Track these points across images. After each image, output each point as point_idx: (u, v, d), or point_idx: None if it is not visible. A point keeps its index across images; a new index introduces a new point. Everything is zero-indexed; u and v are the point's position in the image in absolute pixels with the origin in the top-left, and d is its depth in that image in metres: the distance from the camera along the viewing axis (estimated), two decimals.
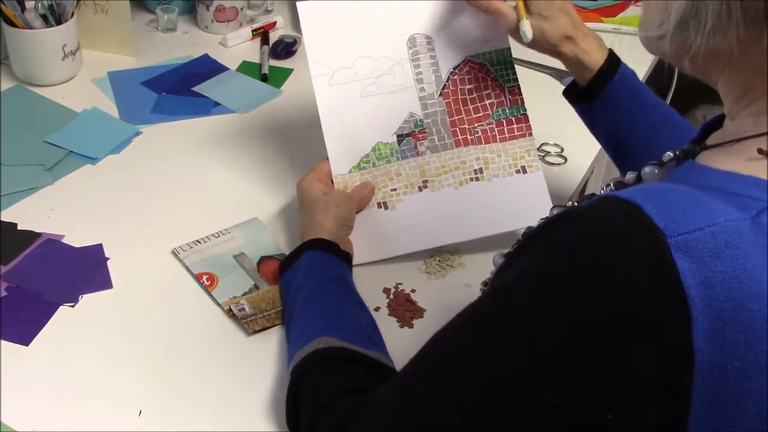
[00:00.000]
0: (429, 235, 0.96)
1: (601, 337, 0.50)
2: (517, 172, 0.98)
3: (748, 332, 0.49)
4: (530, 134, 0.99)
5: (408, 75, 0.97)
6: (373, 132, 0.96)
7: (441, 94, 0.98)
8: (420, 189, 0.97)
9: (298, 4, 0.97)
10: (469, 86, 0.99)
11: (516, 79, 1.00)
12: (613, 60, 0.95)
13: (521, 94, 1.00)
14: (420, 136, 0.97)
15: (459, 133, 0.98)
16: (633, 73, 0.97)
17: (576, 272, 0.51)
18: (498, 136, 0.99)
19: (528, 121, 1.00)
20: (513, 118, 0.99)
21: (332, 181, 0.95)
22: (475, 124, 0.98)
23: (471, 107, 0.98)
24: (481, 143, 0.98)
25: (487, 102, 0.99)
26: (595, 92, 0.95)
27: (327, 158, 0.96)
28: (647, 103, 0.97)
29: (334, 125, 0.95)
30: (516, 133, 0.99)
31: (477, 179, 0.97)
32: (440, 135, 0.97)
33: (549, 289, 0.53)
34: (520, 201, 0.97)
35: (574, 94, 0.99)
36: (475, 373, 0.55)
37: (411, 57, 0.97)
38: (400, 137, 0.97)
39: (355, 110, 0.96)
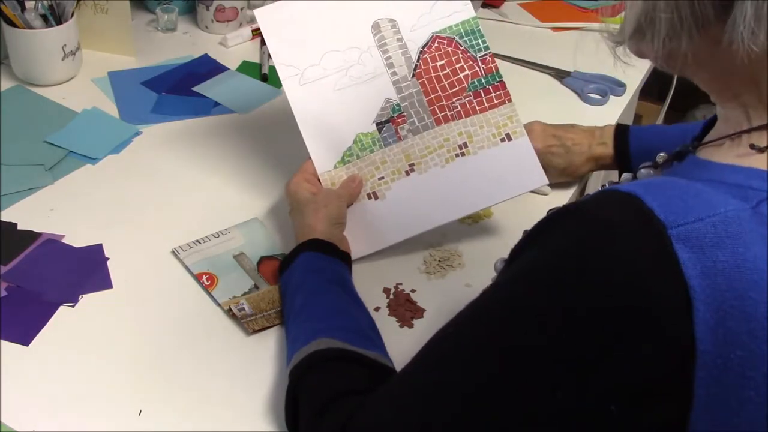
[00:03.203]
0: (423, 217, 0.95)
1: (604, 328, 0.50)
2: (502, 140, 0.97)
3: (749, 322, 0.49)
4: (509, 100, 0.98)
5: (378, 62, 0.97)
6: (352, 124, 0.96)
7: (414, 75, 0.97)
8: (407, 173, 0.96)
9: (255, 11, 0.96)
10: (440, 62, 0.98)
11: (488, 47, 0.99)
12: (618, 132, 1.02)
13: (495, 62, 0.99)
14: (399, 120, 0.97)
15: (438, 111, 0.97)
16: (636, 127, 1.03)
17: (577, 265, 0.52)
18: (477, 108, 0.98)
19: (506, 88, 0.99)
20: (490, 87, 0.98)
21: (319, 180, 0.95)
22: (453, 99, 0.98)
23: (446, 83, 0.98)
24: (462, 117, 0.97)
25: (461, 75, 0.98)
26: (629, 157, 1.01)
27: (310, 158, 0.95)
28: (677, 130, 0.99)
29: (312, 124, 0.95)
30: (495, 102, 0.98)
31: (463, 154, 0.97)
32: (419, 116, 0.97)
33: (551, 283, 0.53)
34: (509, 169, 0.97)
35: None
36: (476, 371, 0.55)
37: (378, 43, 0.97)
38: (380, 125, 0.97)
39: (331, 105, 0.96)
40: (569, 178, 1.06)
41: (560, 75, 1.33)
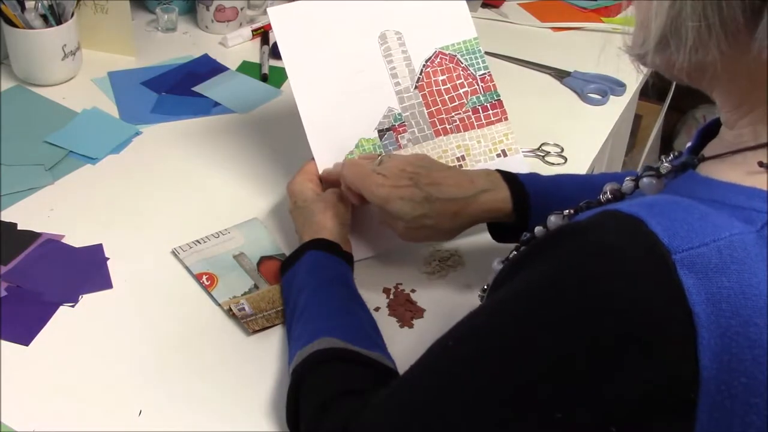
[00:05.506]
0: None
1: (606, 353, 0.50)
2: (498, 155, 1.02)
3: (754, 348, 0.48)
4: (506, 118, 1.02)
5: (382, 71, 0.99)
6: (355, 128, 0.98)
7: (416, 87, 1.00)
8: None
9: (268, 9, 0.97)
10: (442, 77, 1.01)
11: (487, 67, 1.03)
12: (509, 179, 0.88)
13: (493, 81, 1.03)
14: (400, 129, 0.99)
15: (438, 123, 1.00)
16: (535, 174, 0.91)
17: (580, 288, 0.51)
18: (476, 123, 1.02)
19: (503, 107, 1.03)
20: (488, 105, 1.02)
21: (321, 181, 0.96)
22: (452, 113, 1.01)
23: (446, 97, 1.01)
24: (460, 131, 1.01)
25: (461, 91, 1.01)
26: (525, 217, 0.87)
27: (313, 158, 0.96)
28: (575, 182, 0.92)
29: (317, 125, 0.96)
30: (492, 119, 1.02)
31: (460, 166, 0.99)
32: (420, 127, 0.99)
33: (553, 304, 0.52)
34: None
35: (508, 232, 0.91)
36: (476, 385, 0.55)
37: (383, 53, 0.99)
38: (381, 132, 0.98)
39: (336, 109, 0.97)
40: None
41: (560, 75, 1.33)
